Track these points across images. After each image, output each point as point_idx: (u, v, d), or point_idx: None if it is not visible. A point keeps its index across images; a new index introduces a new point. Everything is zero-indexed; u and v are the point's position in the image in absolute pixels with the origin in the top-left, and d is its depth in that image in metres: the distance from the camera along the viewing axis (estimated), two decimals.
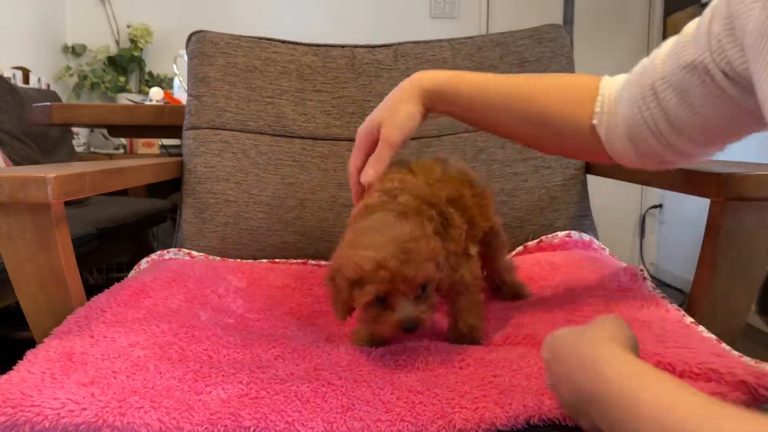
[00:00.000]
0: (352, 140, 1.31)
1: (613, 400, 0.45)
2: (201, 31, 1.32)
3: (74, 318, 0.79)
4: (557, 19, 2.10)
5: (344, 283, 0.68)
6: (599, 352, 0.50)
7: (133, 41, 3.28)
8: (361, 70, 1.32)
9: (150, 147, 3.18)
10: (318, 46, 1.33)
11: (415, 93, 0.81)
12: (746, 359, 0.67)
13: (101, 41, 3.34)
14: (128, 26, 3.30)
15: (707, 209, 0.87)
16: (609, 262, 1.05)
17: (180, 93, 2.16)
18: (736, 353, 0.70)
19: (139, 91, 3.33)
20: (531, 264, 1.07)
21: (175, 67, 2.20)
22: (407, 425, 0.58)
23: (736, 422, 0.38)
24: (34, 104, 1.62)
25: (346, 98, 1.30)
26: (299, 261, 1.20)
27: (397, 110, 0.81)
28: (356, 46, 1.34)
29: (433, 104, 0.82)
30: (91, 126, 2.72)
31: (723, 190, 0.79)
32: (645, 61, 0.76)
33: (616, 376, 0.46)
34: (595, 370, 0.48)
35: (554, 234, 1.22)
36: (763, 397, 0.60)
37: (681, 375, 0.64)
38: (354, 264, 0.67)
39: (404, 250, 0.66)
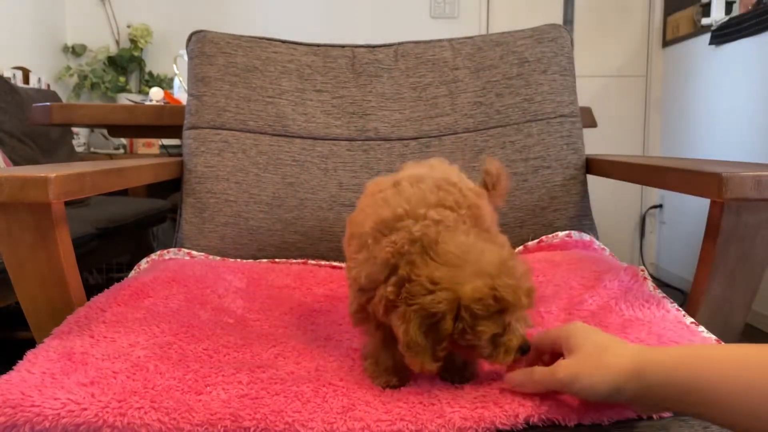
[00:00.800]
0: (352, 140, 1.32)
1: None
2: (201, 31, 1.32)
3: (74, 318, 0.79)
4: (557, 19, 2.10)
5: (450, 328, 0.58)
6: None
7: (133, 41, 3.28)
8: (361, 70, 1.32)
9: (150, 147, 3.18)
10: (318, 46, 1.33)
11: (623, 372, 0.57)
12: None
13: (101, 41, 3.34)
14: (128, 26, 3.30)
15: (707, 209, 0.87)
16: (609, 262, 1.05)
17: (180, 93, 2.16)
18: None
19: (139, 91, 3.33)
20: (531, 263, 1.07)
21: (175, 67, 2.20)
22: (407, 425, 0.58)
23: None
24: (34, 104, 1.62)
25: (346, 98, 1.30)
26: (299, 261, 1.20)
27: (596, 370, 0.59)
28: (356, 46, 1.34)
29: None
30: (91, 126, 2.72)
31: (723, 190, 0.79)
32: None
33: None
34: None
35: (554, 234, 1.22)
36: None
37: None
38: (486, 296, 0.58)
39: (515, 266, 0.61)
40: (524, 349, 0.62)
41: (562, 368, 0.59)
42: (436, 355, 0.59)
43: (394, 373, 0.66)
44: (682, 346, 0.63)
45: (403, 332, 0.59)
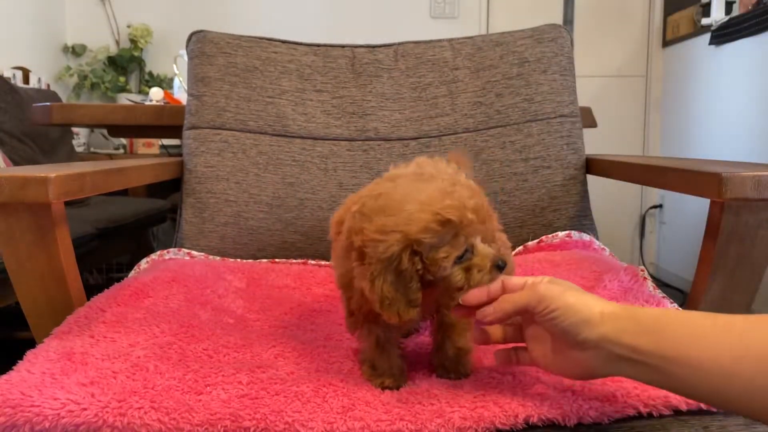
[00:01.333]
0: (352, 140, 1.32)
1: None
2: (201, 31, 1.32)
3: (74, 318, 0.79)
4: (557, 19, 2.10)
5: (410, 265, 0.58)
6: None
7: (133, 41, 3.28)
8: (361, 70, 1.32)
9: (150, 147, 3.18)
10: (318, 46, 1.33)
11: None
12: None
13: (101, 41, 3.34)
14: (128, 26, 3.30)
15: (707, 209, 0.87)
16: (609, 262, 1.05)
17: (180, 93, 2.16)
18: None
19: (139, 91, 3.33)
20: (531, 264, 1.07)
21: (175, 67, 2.20)
22: (407, 424, 0.58)
23: None
24: (34, 104, 1.62)
25: (346, 98, 1.30)
26: (299, 261, 1.20)
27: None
28: (356, 46, 1.34)
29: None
30: (91, 126, 2.72)
31: (723, 190, 0.79)
32: None
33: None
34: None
35: (554, 234, 1.22)
36: None
37: None
38: (430, 223, 0.57)
39: (452, 194, 0.59)
40: (499, 265, 0.61)
41: (544, 284, 0.59)
42: (410, 299, 0.59)
43: (390, 374, 0.67)
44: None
45: (370, 291, 0.59)
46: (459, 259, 0.60)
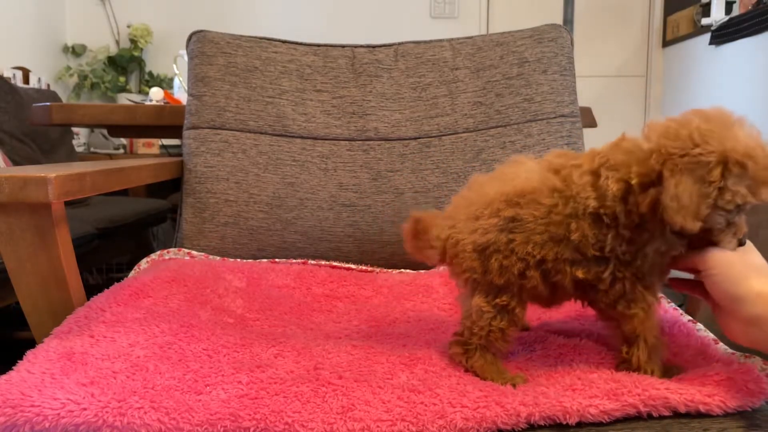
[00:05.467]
0: (352, 140, 1.32)
1: None
2: (201, 31, 1.32)
3: (74, 318, 0.79)
4: (557, 19, 2.10)
5: (718, 182, 0.57)
6: None
7: (133, 41, 3.28)
8: (361, 70, 1.32)
9: (150, 147, 3.18)
10: (318, 46, 1.33)
11: None
12: (737, 355, 0.67)
13: (101, 41, 3.34)
14: (128, 26, 3.30)
15: None
16: None
17: (180, 93, 2.17)
18: (726, 351, 0.70)
19: (139, 91, 3.33)
20: None
21: (175, 67, 2.20)
22: (408, 425, 0.58)
23: None
24: (34, 104, 1.62)
25: (346, 98, 1.30)
26: (299, 261, 1.20)
27: None
28: (356, 46, 1.34)
29: None
30: (91, 126, 2.71)
31: None
32: None
33: None
34: None
35: None
36: (752, 391, 0.60)
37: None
38: (759, 154, 0.57)
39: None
40: (743, 242, 0.61)
41: (716, 250, 0.61)
42: (700, 212, 0.57)
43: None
44: None
45: (673, 185, 0.57)
46: (736, 210, 0.59)
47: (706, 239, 0.62)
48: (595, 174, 0.62)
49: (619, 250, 0.62)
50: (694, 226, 0.58)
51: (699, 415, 0.60)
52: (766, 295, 0.57)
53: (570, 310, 0.86)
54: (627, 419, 0.60)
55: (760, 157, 0.56)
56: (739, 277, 0.59)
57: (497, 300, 0.68)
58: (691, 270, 0.63)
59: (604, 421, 0.60)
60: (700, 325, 0.78)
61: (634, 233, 0.62)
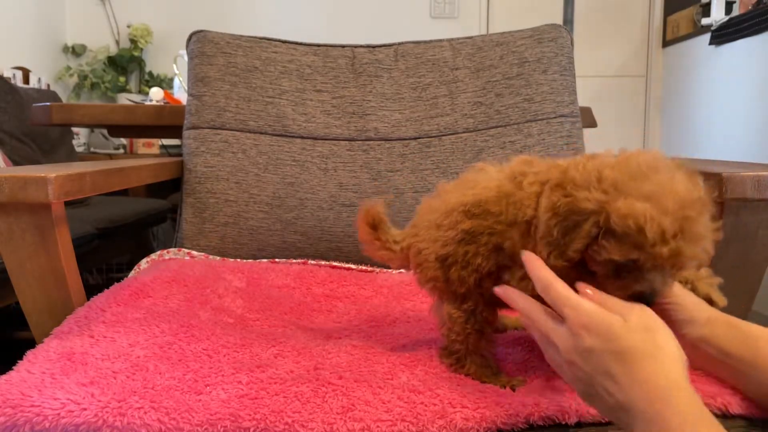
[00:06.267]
0: (352, 140, 1.32)
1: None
2: (201, 31, 1.32)
3: (74, 318, 0.79)
4: (557, 19, 2.10)
5: (587, 230, 0.55)
6: (674, 381, 0.50)
7: (133, 41, 3.28)
8: (361, 70, 1.32)
9: (150, 147, 3.18)
10: (318, 46, 1.33)
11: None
12: None
13: (101, 41, 3.34)
14: (128, 26, 3.30)
15: None
16: None
17: (180, 93, 2.16)
18: None
19: (139, 91, 3.33)
20: None
21: (175, 67, 2.20)
22: (408, 425, 0.58)
23: None
24: (34, 104, 1.62)
25: (346, 98, 1.30)
26: (299, 261, 1.20)
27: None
28: (356, 46, 1.34)
29: None
30: (91, 126, 2.72)
31: (723, 190, 0.79)
32: None
33: (679, 415, 0.48)
34: (665, 397, 0.49)
35: None
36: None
37: None
38: (629, 216, 0.53)
39: (688, 218, 0.53)
40: (647, 298, 0.56)
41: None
42: (566, 254, 0.56)
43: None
44: None
45: (545, 222, 0.57)
46: (619, 263, 0.56)
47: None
48: (543, 184, 0.61)
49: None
50: (557, 264, 0.57)
51: None
52: (714, 319, 0.62)
53: None
54: None
55: (630, 219, 0.53)
56: (693, 303, 0.62)
57: (464, 306, 0.69)
58: None
59: (602, 421, 0.60)
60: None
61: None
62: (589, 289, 0.56)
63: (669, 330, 0.54)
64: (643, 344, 0.51)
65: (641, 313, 0.54)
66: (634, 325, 0.52)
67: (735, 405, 0.61)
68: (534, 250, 0.60)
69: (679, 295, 0.62)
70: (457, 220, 0.68)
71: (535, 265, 0.59)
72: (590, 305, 0.54)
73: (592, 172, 0.56)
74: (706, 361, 0.63)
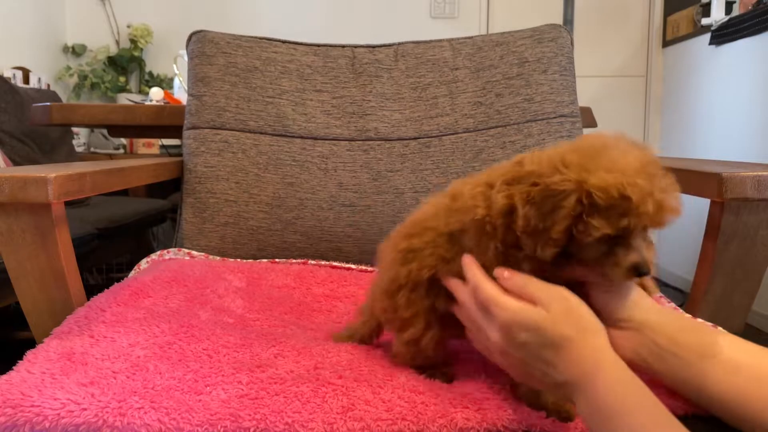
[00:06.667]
0: (352, 140, 1.32)
1: (601, 405, 0.52)
2: (201, 31, 1.32)
3: (74, 318, 0.79)
4: (557, 19, 2.10)
5: (569, 209, 0.56)
6: (599, 352, 0.55)
7: (133, 41, 3.28)
8: (361, 70, 1.32)
9: (150, 147, 3.18)
10: (318, 46, 1.33)
11: None
12: None
13: (101, 41, 3.34)
14: (128, 26, 3.30)
15: (707, 209, 0.87)
16: None
17: (180, 93, 2.16)
18: None
19: (139, 91, 3.33)
20: None
21: (175, 67, 2.20)
22: (408, 424, 0.58)
23: None
24: (34, 104, 1.62)
25: (346, 98, 1.30)
26: (299, 261, 1.20)
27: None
28: (356, 46, 1.34)
29: None
30: (91, 126, 2.72)
31: (723, 190, 0.79)
32: None
33: (607, 379, 0.53)
34: (593, 369, 0.54)
35: None
36: None
37: None
38: (611, 187, 0.55)
39: (653, 175, 0.56)
40: (641, 270, 0.57)
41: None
42: (551, 239, 0.57)
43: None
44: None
45: (523, 215, 0.57)
46: (609, 240, 0.57)
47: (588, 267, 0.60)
48: (491, 186, 0.62)
49: (498, 265, 0.61)
50: (546, 253, 0.57)
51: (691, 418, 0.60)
52: (659, 308, 0.61)
53: None
54: None
55: (612, 188, 0.54)
56: (634, 288, 0.62)
57: (407, 335, 0.69)
58: (584, 277, 0.62)
59: None
60: (701, 321, 0.78)
61: (511, 250, 0.61)
62: (506, 272, 0.60)
63: (586, 306, 0.58)
64: (569, 330, 0.56)
65: (560, 297, 0.58)
66: (556, 314, 0.56)
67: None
68: (490, 248, 0.61)
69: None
70: (396, 242, 0.71)
71: (469, 267, 0.62)
72: (515, 303, 0.58)
73: (555, 159, 0.58)
74: (644, 353, 0.59)
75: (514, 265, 0.60)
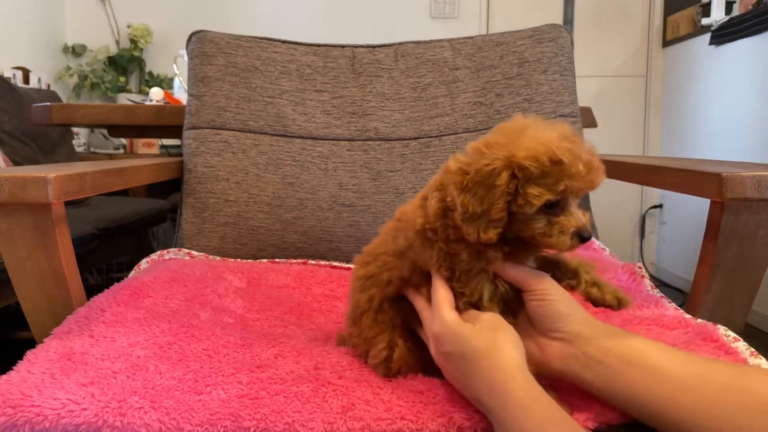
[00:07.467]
0: (352, 140, 1.32)
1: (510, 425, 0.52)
2: (201, 31, 1.32)
3: (74, 318, 0.79)
4: (557, 19, 2.10)
5: (504, 185, 0.57)
6: (508, 372, 0.55)
7: (133, 41, 3.28)
8: (361, 70, 1.32)
9: (150, 147, 3.18)
10: (318, 46, 1.33)
11: None
12: (741, 348, 0.67)
13: (101, 41, 3.34)
14: (128, 26, 3.30)
15: (707, 209, 0.87)
16: (609, 262, 1.05)
17: (180, 93, 2.17)
18: (739, 346, 0.69)
19: (139, 91, 3.33)
20: None
21: (175, 67, 2.20)
22: (408, 423, 0.58)
23: None
24: (34, 104, 1.62)
25: (346, 98, 1.30)
26: (299, 261, 1.20)
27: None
28: (356, 46, 1.34)
29: None
30: (91, 126, 2.72)
31: (723, 190, 0.79)
32: None
33: (515, 401, 0.53)
34: (501, 388, 0.54)
35: None
36: None
37: None
38: (540, 154, 0.56)
39: (574, 141, 0.59)
40: (583, 235, 0.59)
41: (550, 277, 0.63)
42: (492, 219, 0.58)
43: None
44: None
45: (461, 203, 0.59)
46: (549, 208, 0.59)
47: (535, 245, 0.62)
48: (426, 198, 0.65)
49: (444, 265, 0.64)
50: (489, 235, 0.58)
51: None
52: (590, 321, 0.61)
53: None
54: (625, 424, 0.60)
55: (542, 155, 0.56)
56: (567, 300, 0.62)
57: (374, 353, 0.70)
58: (522, 287, 0.64)
59: (602, 428, 0.60)
60: (701, 320, 0.78)
61: (453, 247, 0.63)
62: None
63: (511, 328, 0.59)
64: (484, 344, 0.57)
65: (490, 318, 0.60)
66: (479, 328, 0.59)
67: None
68: (435, 250, 0.64)
69: (551, 289, 0.62)
70: (355, 270, 0.75)
71: (435, 279, 0.65)
72: (451, 316, 0.61)
73: (479, 147, 0.61)
74: (574, 364, 0.59)
75: (459, 262, 0.62)
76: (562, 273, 0.67)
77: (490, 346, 0.57)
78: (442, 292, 0.63)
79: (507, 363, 0.55)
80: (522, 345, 0.58)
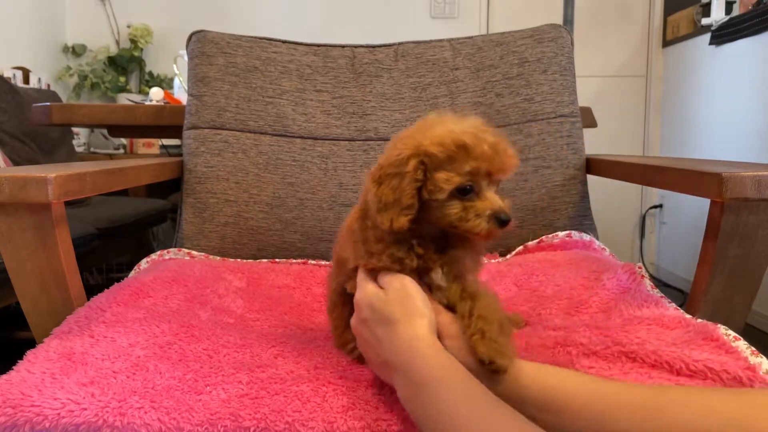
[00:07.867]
0: (352, 140, 1.32)
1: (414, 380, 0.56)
2: (201, 31, 1.32)
3: (74, 318, 0.79)
4: (557, 19, 2.10)
5: (412, 171, 0.59)
6: (418, 336, 0.60)
7: (133, 41, 3.28)
8: (361, 70, 1.32)
9: (150, 147, 3.18)
10: (318, 46, 1.33)
11: None
12: (742, 348, 0.67)
13: (101, 41, 3.34)
14: (128, 26, 3.30)
15: (707, 209, 0.87)
16: (609, 262, 1.05)
17: (180, 93, 2.17)
18: (739, 345, 0.69)
19: (139, 91, 3.33)
20: (531, 264, 1.07)
21: (175, 67, 2.20)
22: (409, 425, 0.58)
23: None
24: (34, 104, 1.62)
25: (346, 98, 1.30)
26: (299, 261, 1.20)
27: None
28: (356, 46, 1.34)
29: None
30: (91, 126, 2.72)
31: (723, 190, 0.79)
32: None
33: (420, 360, 0.57)
34: (409, 349, 0.59)
35: (554, 234, 1.22)
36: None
37: (678, 373, 0.64)
38: (445, 139, 0.59)
39: (485, 130, 0.61)
40: (501, 218, 0.60)
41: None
42: (404, 205, 0.60)
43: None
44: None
45: (375, 194, 0.61)
46: (461, 193, 0.60)
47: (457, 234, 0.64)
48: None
49: (375, 260, 0.66)
50: (400, 222, 0.60)
51: None
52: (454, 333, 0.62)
53: (564, 306, 0.86)
54: None
55: (447, 140, 0.59)
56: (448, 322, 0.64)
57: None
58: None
59: None
60: (701, 320, 0.78)
61: (370, 244, 0.66)
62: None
63: (424, 296, 0.63)
64: (397, 312, 0.61)
65: (399, 284, 0.63)
66: (391, 296, 0.63)
67: None
68: (357, 250, 0.67)
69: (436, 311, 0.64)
70: (328, 284, 0.79)
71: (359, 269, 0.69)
72: (370, 286, 0.65)
73: (392, 143, 0.63)
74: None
75: (378, 254, 0.65)
76: (460, 309, 0.64)
77: (404, 314, 0.61)
78: (363, 272, 0.68)
79: (418, 329, 0.60)
80: (432, 312, 0.62)
